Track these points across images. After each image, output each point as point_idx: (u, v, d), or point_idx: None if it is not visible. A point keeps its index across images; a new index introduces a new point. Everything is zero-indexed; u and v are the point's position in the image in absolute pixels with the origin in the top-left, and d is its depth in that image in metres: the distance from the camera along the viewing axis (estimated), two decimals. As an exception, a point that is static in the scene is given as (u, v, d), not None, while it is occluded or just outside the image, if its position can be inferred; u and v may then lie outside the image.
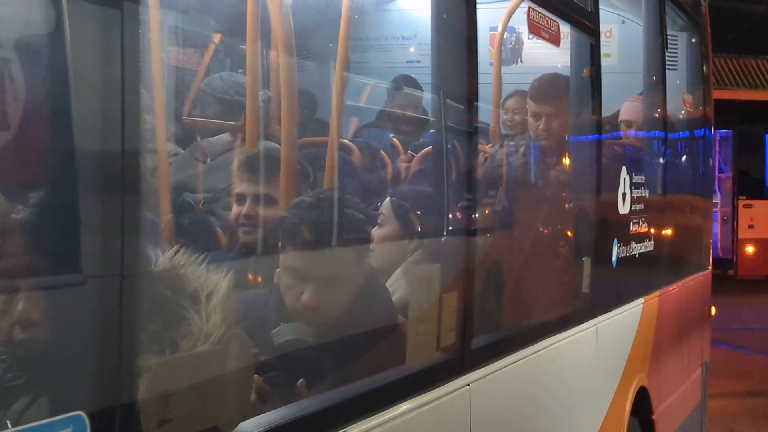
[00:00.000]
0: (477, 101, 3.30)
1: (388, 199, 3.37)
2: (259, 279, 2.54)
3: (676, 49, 7.30)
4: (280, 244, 2.63)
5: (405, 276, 3.18)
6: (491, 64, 4.96)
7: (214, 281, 2.16)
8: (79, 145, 1.65)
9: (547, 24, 4.00)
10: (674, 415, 6.73)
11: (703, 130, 8.01)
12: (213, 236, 2.46)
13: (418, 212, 3.18)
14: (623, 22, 6.82)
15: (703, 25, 7.86)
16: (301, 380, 2.55)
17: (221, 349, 2.08)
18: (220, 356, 2.09)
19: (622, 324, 5.37)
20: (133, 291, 1.74)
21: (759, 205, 19.64)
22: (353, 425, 2.50)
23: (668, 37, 6.66)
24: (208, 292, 2.13)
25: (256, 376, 2.26)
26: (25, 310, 1.61)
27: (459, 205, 3.25)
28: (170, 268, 1.99)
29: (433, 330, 3.02)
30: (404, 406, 2.80)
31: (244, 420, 2.10)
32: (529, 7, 3.81)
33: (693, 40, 7.72)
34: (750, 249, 19.62)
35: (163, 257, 2.00)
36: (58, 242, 1.61)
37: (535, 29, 3.88)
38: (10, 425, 1.53)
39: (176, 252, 2.05)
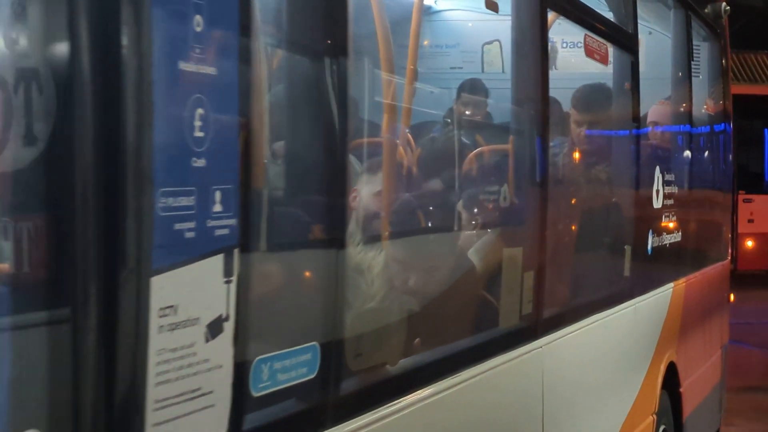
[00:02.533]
0: (547, 108, 4.02)
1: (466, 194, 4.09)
2: (398, 255, 3.26)
3: (698, 57, 8.00)
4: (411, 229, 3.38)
5: (479, 256, 3.89)
6: None
7: (372, 257, 2.89)
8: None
9: (599, 47, 4.72)
10: (698, 390, 7.42)
11: (723, 133, 8.72)
12: (370, 222, 3.16)
13: (502, 205, 3.91)
14: (650, 33, 7.52)
15: (723, 36, 8.57)
16: (417, 339, 3.28)
17: (384, 306, 2.83)
18: (383, 311, 2.83)
19: (655, 305, 6.08)
20: (342, 263, 2.49)
21: (758, 199, 19.68)
22: (461, 372, 3.24)
23: (693, 46, 7.37)
24: (369, 266, 2.86)
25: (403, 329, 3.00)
26: (284, 272, 2.35)
27: (532, 201, 3.98)
28: (354, 248, 2.72)
29: (515, 301, 3.75)
30: (494, 361, 3.53)
31: (401, 359, 2.85)
32: (585, 35, 4.54)
33: (714, 50, 8.42)
34: (749, 243, 19.72)
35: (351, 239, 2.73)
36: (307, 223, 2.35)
37: (589, 53, 4.61)
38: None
39: (356, 236, 2.78)
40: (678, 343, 6.66)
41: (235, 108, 2.07)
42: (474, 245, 3.62)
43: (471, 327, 3.58)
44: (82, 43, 1.70)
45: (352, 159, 2.78)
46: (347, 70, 2.51)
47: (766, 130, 19.64)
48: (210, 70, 1.98)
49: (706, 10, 7.93)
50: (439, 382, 3.06)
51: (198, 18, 1.94)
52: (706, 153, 8.29)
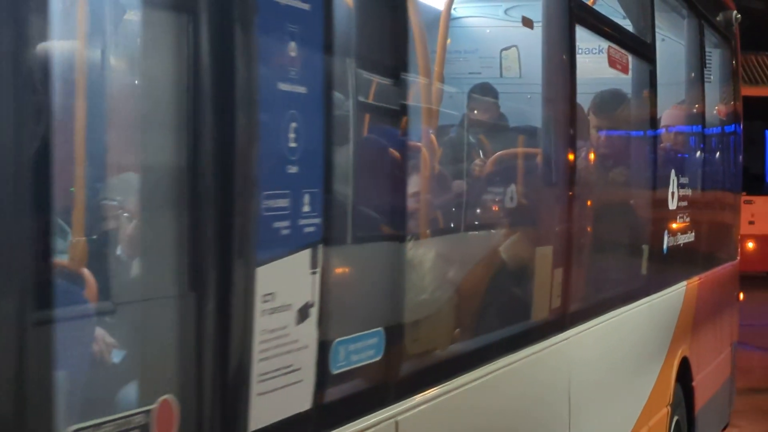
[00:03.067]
0: (575, 115, 4.32)
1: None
2: (442, 253, 3.57)
3: (710, 63, 8.30)
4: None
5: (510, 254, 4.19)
6: None
7: (422, 254, 3.20)
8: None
9: (621, 58, 5.03)
10: (709, 385, 7.72)
11: (733, 135, 9.02)
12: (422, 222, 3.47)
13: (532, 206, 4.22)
14: (663, 40, 7.82)
15: (734, 42, 8.86)
16: (458, 329, 3.59)
17: (433, 298, 3.14)
18: (433, 302, 3.14)
19: (670, 302, 6.38)
20: (402, 258, 2.80)
21: (759, 201, 19.68)
22: (500, 359, 3.54)
23: (706, 53, 7.67)
24: (420, 261, 3.17)
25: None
26: (355, 265, 2.66)
27: (560, 203, 4.28)
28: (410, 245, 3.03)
29: (546, 295, 4.06)
30: (529, 350, 3.84)
31: (449, 345, 3.16)
32: (609, 46, 4.85)
33: (725, 56, 8.72)
34: (750, 245, 19.70)
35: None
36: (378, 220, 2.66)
37: (612, 63, 4.91)
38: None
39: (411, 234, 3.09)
40: (691, 339, 6.95)
41: (320, 122, 2.38)
42: (504, 244, 3.94)
43: (508, 318, 3.89)
44: (205, 74, 2.00)
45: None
46: (407, 84, 2.81)
47: (766, 131, 19.74)
48: (301, 89, 2.29)
49: (718, 18, 8.22)
50: (481, 368, 3.36)
51: (292, 44, 2.25)
52: (718, 155, 8.58)
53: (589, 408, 4.61)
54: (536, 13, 6.25)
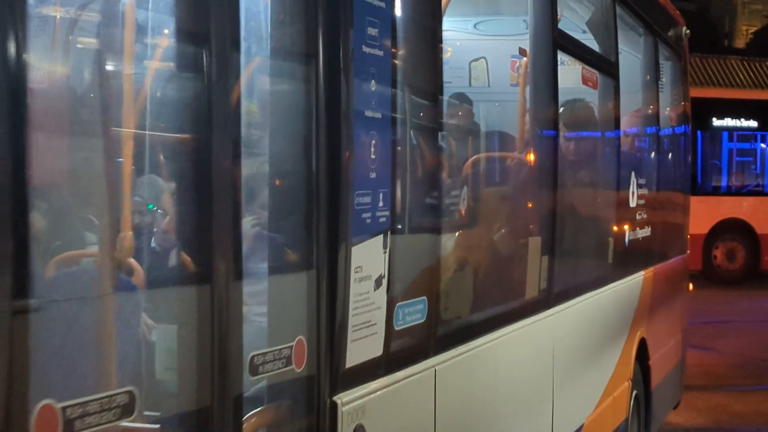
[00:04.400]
0: (558, 126, 5.14)
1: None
2: (458, 241, 4.37)
3: (663, 74, 9.16)
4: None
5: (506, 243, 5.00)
6: (512, 85, 6.71)
7: (445, 240, 3.99)
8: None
9: (591, 75, 5.86)
10: (663, 365, 8.57)
11: (683, 140, 9.91)
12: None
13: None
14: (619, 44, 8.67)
15: (683, 55, 9.74)
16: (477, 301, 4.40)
17: (456, 277, 3.94)
18: (455, 280, 3.94)
19: (630, 289, 7.22)
20: (438, 243, 3.60)
21: (691, 201, 20.91)
22: (502, 328, 4.35)
23: (659, 66, 8.54)
24: (444, 247, 3.96)
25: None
26: (410, 247, 3.45)
27: (547, 201, 5.09)
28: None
29: (536, 278, 4.87)
30: (524, 322, 4.65)
31: (469, 315, 3.97)
32: (582, 66, 5.68)
33: (676, 67, 9.60)
34: None
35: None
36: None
37: (585, 81, 5.74)
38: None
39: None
40: (648, 323, 7.80)
41: (389, 140, 3.17)
42: (502, 233, 4.76)
43: (508, 296, 4.72)
44: (323, 111, 2.79)
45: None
46: (440, 104, 3.62)
47: (699, 132, 20.64)
48: (378, 115, 3.08)
49: (669, 34, 9.09)
50: (492, 333, 4.17)
51: (373, 83, 3.04)
52: (670, 158, 9.46)
53: (569, 375, 5.43)
54: (503, 27, 7.07)
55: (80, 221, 2.16)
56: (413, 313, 3.42)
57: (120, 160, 2.20)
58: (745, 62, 25.72)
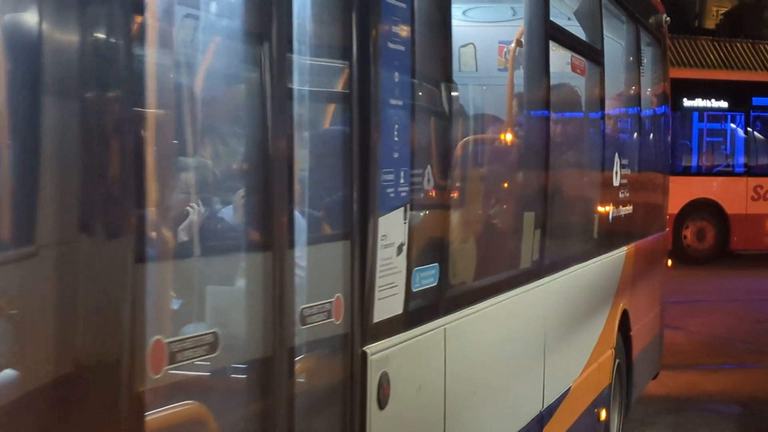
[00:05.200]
0: (548, 111, 5.59)
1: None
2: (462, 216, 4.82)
3: (644, 59, 9.62)
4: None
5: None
6: (500, 69, 7.17)
7: (453, 214, 4.44)
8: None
9: (580, 63, 6.32)
10: (643, 336, 9.06)
11: (663, 123, 10.38)
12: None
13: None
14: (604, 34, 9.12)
15: (663, 40, 10.21)
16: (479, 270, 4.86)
17: (462, 247, 4.39)
18: (462, 251, 4.40)
19: (613, 263, 7.69)
20: (448, 216, 4.05)
21: None
22: (502, 294, 4.81)
23: (641, 51, 8.99)
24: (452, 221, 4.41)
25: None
26: (424, 220, 3.89)
27: (540, 180, 5.55)
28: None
29: (529, 250, 5.33)
30: (521, 289, 5.11)
31: (472, 281, 4.43)
32: (572, 56, 6.13)
33: (657, 53, 10.06)
34: None
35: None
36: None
37: (574, 68, 6.19)
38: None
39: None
40: (630, 295, 8.27)
41: (408, 124, 3.61)
42: (498, 209, 5.23)
43: (506, 266, 5.18)
44: (357, 103, 3.24)
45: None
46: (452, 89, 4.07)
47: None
48: (400, 102, 3.53)
49: (650, 21, 9.55)
50: (492, 298, 4.63)
51: (396, 74, 3.49)
52: (651, 140, 9.93)
53: (558, 339, 5.90)
54: (491, 14, 7.50)
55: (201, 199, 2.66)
56: (427, 278, 3.86)
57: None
58: (715, 43, 26.25)
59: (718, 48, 25.92)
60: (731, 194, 21.14)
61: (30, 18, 1.87)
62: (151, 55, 2.31)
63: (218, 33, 2.89)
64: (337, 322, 3.16)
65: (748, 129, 21.51)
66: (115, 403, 2.06)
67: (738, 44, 26.74)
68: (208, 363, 2.46)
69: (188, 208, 2.64)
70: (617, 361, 7.86)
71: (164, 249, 2.42)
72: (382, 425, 3.37)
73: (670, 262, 10.84)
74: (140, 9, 2.21)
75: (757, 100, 21.38)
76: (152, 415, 2.23)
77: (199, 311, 2.56)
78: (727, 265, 20.77)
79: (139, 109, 2.23)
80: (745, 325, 14.46)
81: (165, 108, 2.43)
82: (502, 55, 7.41)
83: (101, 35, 2.01)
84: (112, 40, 2.03)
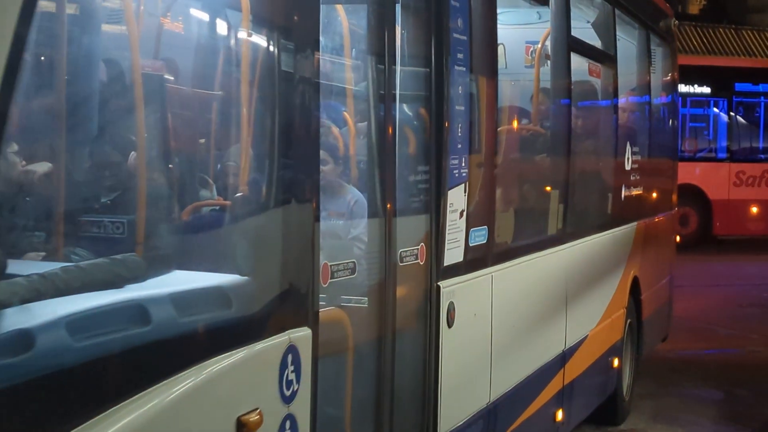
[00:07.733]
0: (570, 109, 6.92)
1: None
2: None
3: (654, 58, 10.89)
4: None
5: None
6: (526, 66, 8.46)
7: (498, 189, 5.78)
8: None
9: (596, 68, 7.65)
10: (652, 301, 10.28)
11: (672, 111, 11.66)
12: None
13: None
14: (618, 40, 10.41)
15: (672, 42, 11.49)
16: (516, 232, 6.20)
17: (504, 215, 5.76)
18: (504, 218, 5.77)
19: (625, 235, 8.99)
20: (494, 187, 5.41)
21: None
22: (534, 254, 6.14)
23: (651, 52, 10.29)
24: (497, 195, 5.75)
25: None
26: (479, 191, 5.24)
27: (565, 163, 6.88)
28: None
29: (555, 219, 6.67)
30: (550, 251, 6.45)
31: (512, 241, 5.80)
32: (589, 62, 7.47)
33: (665, 53, 11.34)
34: None
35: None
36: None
37: (591, 72, 7.53)
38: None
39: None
40: (640, 264, 9.53)
41: (467, 120, 4.95)
42: (530, 185, 6.60)
43: (537, 231, 6.55)
44: (390, 106, 4.58)
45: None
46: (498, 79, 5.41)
47: None
48: (462, 107, 4.86)
49: (660, 25, 10.82)
50: (526, 256, 5.98)
51: (460, 88, 4.82)
52: (659, 131, 11.20)
53: (577, 297, 7.24)
54: (519, 18, 8.79)
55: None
56: (479, 236, 5.21)
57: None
58: (698, 28, 26.53)
59: (701, 33, 25.60)
60: (714, 180, 21.21)
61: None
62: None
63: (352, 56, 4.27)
64: (421, 263, 4.51)
65: (731, 114, 21.61)
66: (308, 296, 3.43)
67: (721, 30, 26.77)
68: (350, 280, 3.83)
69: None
70: (629, 320, 9.11)
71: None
72: (450, 339, 4.72)
73: (678, 238, 12.07)
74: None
75: (739, 86, 21.45)
76: (321, 309, 3.61)
77: (348, 250, 3.97)
78: (710, 250, 20.75)
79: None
80: (727, 310, 14.66)
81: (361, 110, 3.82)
82: (528, 54, 8.70)
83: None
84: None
